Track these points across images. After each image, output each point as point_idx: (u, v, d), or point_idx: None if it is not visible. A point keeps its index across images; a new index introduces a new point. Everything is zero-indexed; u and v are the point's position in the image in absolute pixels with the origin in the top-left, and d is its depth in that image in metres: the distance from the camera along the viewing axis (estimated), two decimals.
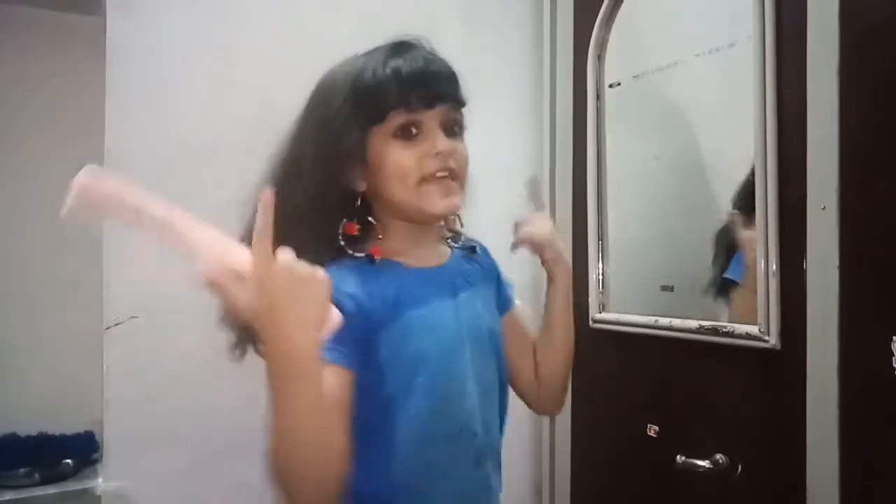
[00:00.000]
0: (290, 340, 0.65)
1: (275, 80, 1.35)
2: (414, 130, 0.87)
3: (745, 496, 1.12)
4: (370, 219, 0.91)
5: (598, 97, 1.43)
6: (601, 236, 1.42)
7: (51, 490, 1.94)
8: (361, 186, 0.90)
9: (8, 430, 2.09)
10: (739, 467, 1.13)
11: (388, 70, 0.86)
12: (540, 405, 1.11)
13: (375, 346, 0.85)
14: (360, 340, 0.83)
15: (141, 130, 1.25)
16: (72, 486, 1.97)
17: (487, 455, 0.91)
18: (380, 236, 0.91)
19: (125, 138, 1.23)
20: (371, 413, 0.85)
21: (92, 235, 1.25)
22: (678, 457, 1.17)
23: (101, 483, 1.23)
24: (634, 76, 1.36)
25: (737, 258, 1.17)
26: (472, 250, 1.01)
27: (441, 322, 0.89)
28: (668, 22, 1.30)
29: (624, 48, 1.39)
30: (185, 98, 1.28)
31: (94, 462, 2.02)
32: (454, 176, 0.89)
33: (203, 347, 1.25)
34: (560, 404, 1.12)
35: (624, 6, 1.37)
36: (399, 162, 0.87)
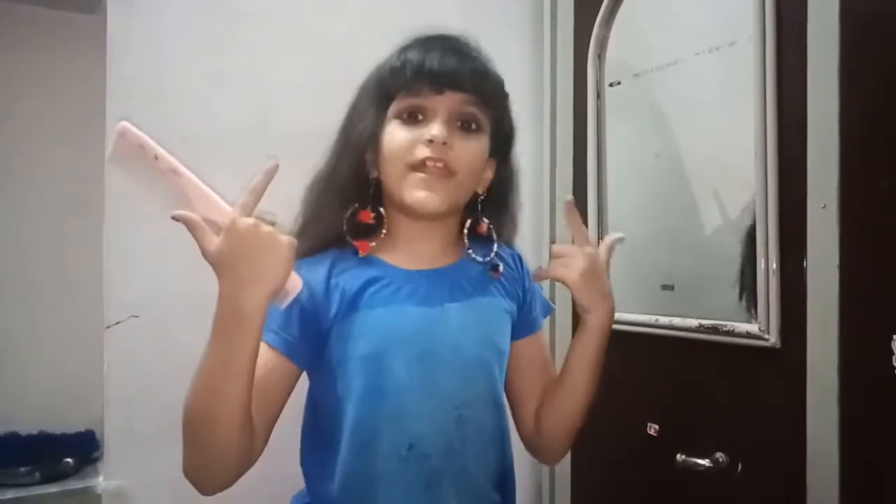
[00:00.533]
0: (238, 293, 0.67)
1: (274, 78, 1.35)
2: (420, 116, 0.84)
3: (745, 495, 1.12)
4: (381, 209, 0.89)
5: (599, 96, 1.43)
6: (601, 235, 1.42)
7: (51, 489, 1.94)
8: (374, 173, 0.88)
9: (8, 428, 2.08)
10: (740, 466, 1.13)
11: (403, 56, 0.85)
12: (533, 449, 1.00)
13: (331, 340, 0.83)
14: (312, 333, 0.82)
15: (141, 126, 1.24)
16: (72, 484, 1.96)
17: (447, 480, 0.83)
18: (384, 231, 0.89)
19: None
20: (326, 409, 0.85)
21: (93, 233, 1.25)
22: (678, 456, 1.17)
23: (101, 482, 1.23)
24: (635, 75, 1.36)
25: None
26: (494, 268, 0.92)
27: (400, 327, 0.84)
28: (669, 21, 1.30)
29: (624, 47, 1.39)
30: (185, 95, 1.28)
31: (95, 460, 2.01)
32: (450, 171, 0.83)
33: (204, 346, 1.26)
34: (555, 459, 1.01)
35: (624, 5, 1.37)
36: (392, 142, 0.85)
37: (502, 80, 0.91)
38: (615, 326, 1.35)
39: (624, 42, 1.39)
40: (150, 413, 1.22)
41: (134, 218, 1.22)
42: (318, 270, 0.85)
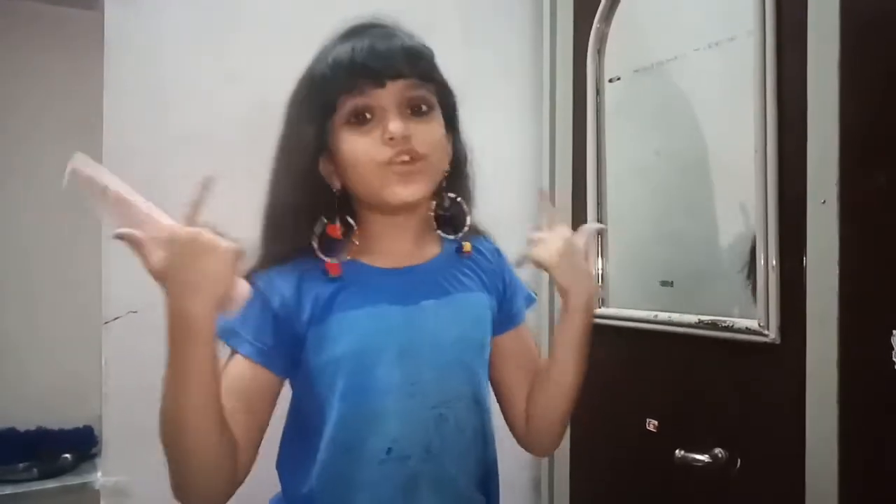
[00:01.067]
0: (183, 302, 0.67)
1: (273, 74, 1.34)
2: (367, 115, 0.81)
3: (744, 490, 1.12)
4: (349, 218, 0.86)
5: (598, 92, 1.42)
6: (601, 231, 1.42)
7: (50, 484, 1.94)
8: (336, 184, 0.85)
9: (7, 424, 2.09)
10: (739, 461, 1.13)
11: (331, 58, 0.81)
12: (527, 443, 0.98)
13: (307, 345, 0.82)
14: (288, 339, 0.81)
15: (139, 124, 1.25)
16: (71, 480, 1.97)
17: (425, 483, 0.82)
18: (356, 242, 0.86)
19: (124, 132, 1.23)
20: (307, 413, 0.84)
21: (91, 230, 1.25)
22: (677, 451, 1.17)
23: (100, 477, 1.23)
24: (634, 71, 1.35)
25: None
26: (460, 249, 0.92)
27: (378, 327, 0.83)
28: (668, 16, 1.30)
29: (624, 43, 1.39)
30: (184, 92, 1.28)
31: (94, 456, 2.02)
32: (417, 158, 0.80)
33: None
34: (548, 450, 0.98)
35: (623, 1, 1.37)
36: (353, 151, 0.81)
37: (431, 50, 0.86)
38: (615, 322, 1.37)
39: (623, 38, 1.39)
40: (148, 409, 1.20)
41: None
42: (289, 276, 0.83)
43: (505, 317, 0.95)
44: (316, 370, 0.82)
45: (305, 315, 0.82)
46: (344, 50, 0.80)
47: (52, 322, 2.17)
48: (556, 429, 0.96)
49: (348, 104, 0.80)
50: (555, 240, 0.89)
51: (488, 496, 0.90)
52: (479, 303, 0.91)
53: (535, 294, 1.02)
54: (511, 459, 1.61)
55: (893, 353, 0.89)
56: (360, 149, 0.81)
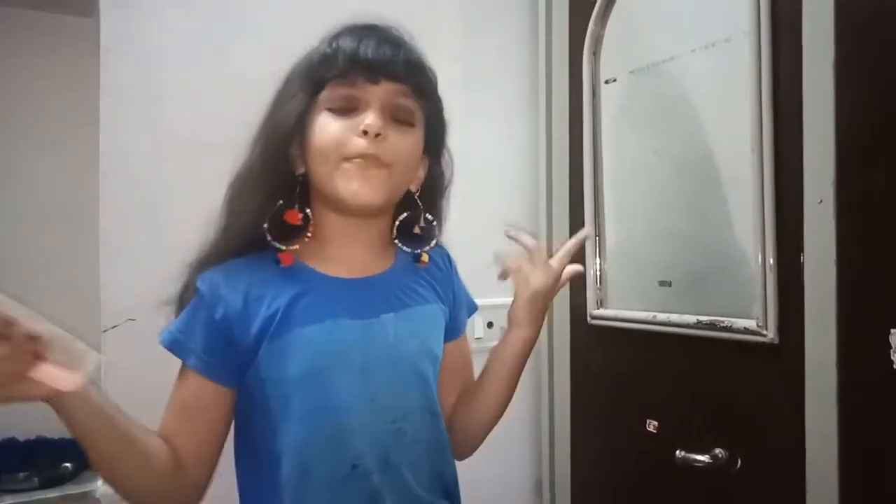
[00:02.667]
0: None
1: (272, 77, 1.35)
2: (351, 107, 0.79)
3: (744, 490, 1.12)
4: (307, 210, 0.83)
5: (594, 93, 1.43)
6: (598, 232, 1.42)
7: (50, 494, 1.94)
8: (300, 168, 0.82)
9: (7, 434, 2.08)
10: (739, 461, 1.13)
11: (337, 43, 0.80)
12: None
13: (258, 362, 0.78)
14: (232, 351, 0.78)
15: (137, 129, 1.25)
16: (71, 489, 1.97)
17: (389, 496, 0.79)
18: (309, 234, 0.83)
19: (121, 138, 1.22)
20: (258, 433, 0.80)
21: (88, 237, 1.25)
22: (677, 451, 1.17)
23: (100, 486, 1.22)
24: (630, 72, 1.36)
25: None
26: (416, 258, 0.90)
27: (335, 344, 0.80)
28: (663, 17, 1.30)
29: (619, 44, 1.39)
30: (182, 96, 1.28)
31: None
32: (383, 163, 0.78)
33: None
34: (464, 456, 0.98)
35: (619, 2, 1.37)
36: (323, 135, 0.79)
37: (436, 74, 0.86)
38: (614, 323, 1.37)
39: (619, 39, 1.39)
40: (147, 417, 1.20)
41: (130, 221, 1.22)
42: (235, 282, 0.79)
43: (451, 326, 0.95)
44: (271, 386, 0.78)
45: (255, 327, 0.77)
46: (351, 39, 0.80)
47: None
48: (474, 442, 0.98)
49: (337, 91, 0.79)
50: (538, 274, 0.89)
51: (452, 502, 0.89)
52: (435, 314, 0.90)
53: (477, 304, 1.03)
54: (512, 462, 1.63)
55: (892, 351, 0.89)
56: (330, 132, 0.79)
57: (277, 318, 0.78)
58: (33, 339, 0.61)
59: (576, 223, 1.49)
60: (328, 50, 0.80)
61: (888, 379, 0.89)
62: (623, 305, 1.37)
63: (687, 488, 1.22)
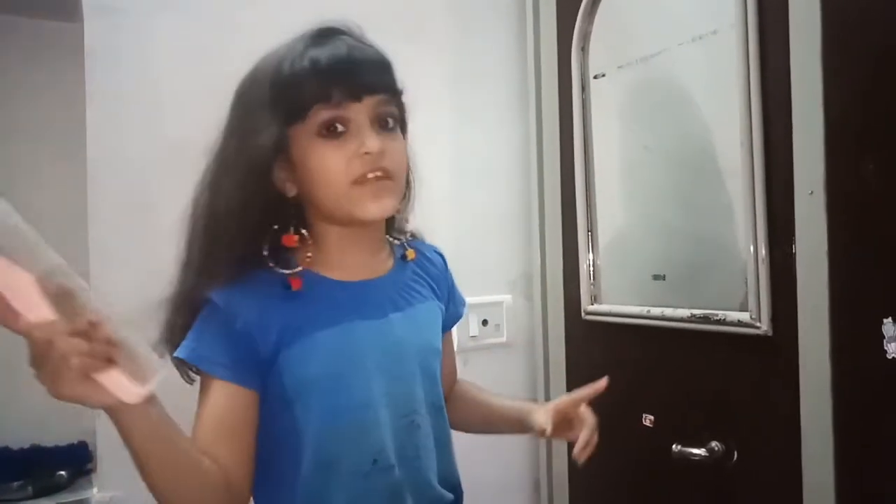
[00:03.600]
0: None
1: None
2: (340, 127, 0.79)
3: (741, 483, 1.12)
4: (303, 231, 0.84)
5: (584, 89, 1.42)
6: (591, 228, 1.42)
7: (45, 503, 1.92)
8: (291, 191, 0.82)
9: (0, 443, 2.07)
10: (735, 454, 1.13)
11: (306, 61, 0.78)
12: None
13: (279, 367, 0.80)
14: (255, 359, 0.79)
15: (124, 134, 1.24)
16: (66, 497, 1.95)
17: (407, 490, 0.83)
18: (309, 254, 0.84)
19: (108, 143, 1.22)
20: (278, 434, 0.82)
21: (75, 241, 1.24)
22: (674, 446, 1.17)
23: (95, 493, 1.22)
24: (619, 67, 1.36)
25: None
26: (403, 256, 0.92)
27: (351, 345, 0.82)
28: (651, 11, 1.30)
29: (607, 39, 1.39)
30: (168, 101, 1.27)
31: (89, 472, 2.00)
32: (388, 175, 0.80)
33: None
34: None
35: None
36: (325, 164, 0.79)
37: (391, 60, 0.86)
38: (608, 318, 1.37)
39: (607, 34, 1.39)
40: None
41: (119, 227, 1.21)
42: (250, 296, 0.80)
43: (446, 322, 0.99)
44: (290, 391, 0.80)
45: (272, 337, 0.79)
46: (320, 56, 0.78)
47: None
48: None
49: (323, 114, 0.78)
50: (585, 422, 0.98)
51: (456, 496, 0.92)
52: (435, 311, 0.94)
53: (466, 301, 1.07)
54: (510, 460, 1.63)
55: (885, 341, 0.89)
56: (332, 163, 0.79)
57: (294, 325, 0.80)
58: (112, 343, 0.61)
59: (568, 219, 1.49)
60: (301, 73, 0.78)
61: (882, 368, 0.90)
62: (617, 300, 1.37)
63: (684, 482, 1.22)
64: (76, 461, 2.06)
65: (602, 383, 0.97)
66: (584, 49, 1.42)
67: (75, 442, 2.10)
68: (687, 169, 1.23)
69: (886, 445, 0.92)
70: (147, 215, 1.23)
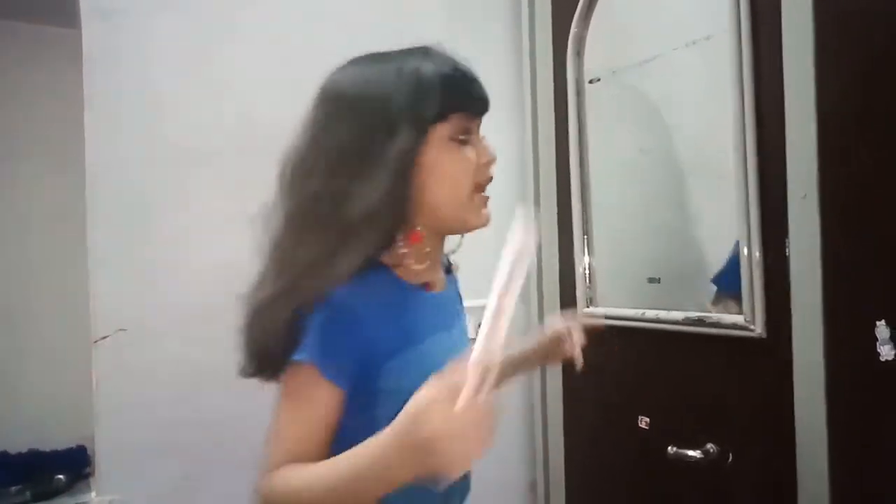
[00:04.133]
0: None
1: (259, 86, 1.35)
2: (464, 137, 0.83)
3: (736, 484, 1.13)
4: (419, 228, 0.84)
5: (579, 93, 1.43)
6: (586, 231, 1.43)
7: None
8: (419, 194, 0.83)
9: None
10: (730, 456, 1.14)
11: (451, 70, 0.82)
12: None
13: (376, 373, 0.80)
14: (362, 364, 0.79)
15: (122, 139, 1.24)
16: (65, 501, 1.95)
17: (457, 495, 0.87)
18: (427, 249, 0.85)
19: (107, 147, 1.22)
20: (353, 435, 0.79)
21: (76, 249, 1.24)
22: (669, 447, 1.18)
23: (94, 497, 1.22)
24: (614, 71, 1.36)
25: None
26: (448, 269, 0.95)
27: (436, 357, 0.81)
28: (645, 17, 1.31)
29: (602, 44, 1.40)
30: (167, 106, 1.28)
31: (87, 476, 2.00)
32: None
33: (191, 359, 1.25)
34: None
35: (600, 2, 1.38)
36: (459, 168, 0.83)
37: None
38: (605, 321, 1.37)
39: (602, 39, 1.40)
40: (140, 426, 1.21)
41: (118, 231, 1.22)
42: (372, 298, 0.81)
43: None
44: (383, 396, 0.80)
45: (387, 346, 0.80)
46: (458, 68, 0.83)
47: (41, 343, 2.15)
48: None
49: (460, 124, 0.82)
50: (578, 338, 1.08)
51: (469, 482, 0.95)
52: (465, 327, 0.97)
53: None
54: (507, 460, 1.63)
55: (878, 343, 0.90)
56: (462, 167, 0.83)
57: (401, 334, 0.81)
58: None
59: (564, 223, 1.49)
60: (449, 75, 0.82)
61: (875, 370, 0.90)
62: (612, 303, 1.38)
63: (680, 483, 1.22)
64: (74, 465, 2.06)
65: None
66: (579, 53, 1.43)
67: (73, 446, 2.10)
68: (681, 172, 1.24)
69: (880, 446, 0.93)
70: (147, 218, 1.24)
